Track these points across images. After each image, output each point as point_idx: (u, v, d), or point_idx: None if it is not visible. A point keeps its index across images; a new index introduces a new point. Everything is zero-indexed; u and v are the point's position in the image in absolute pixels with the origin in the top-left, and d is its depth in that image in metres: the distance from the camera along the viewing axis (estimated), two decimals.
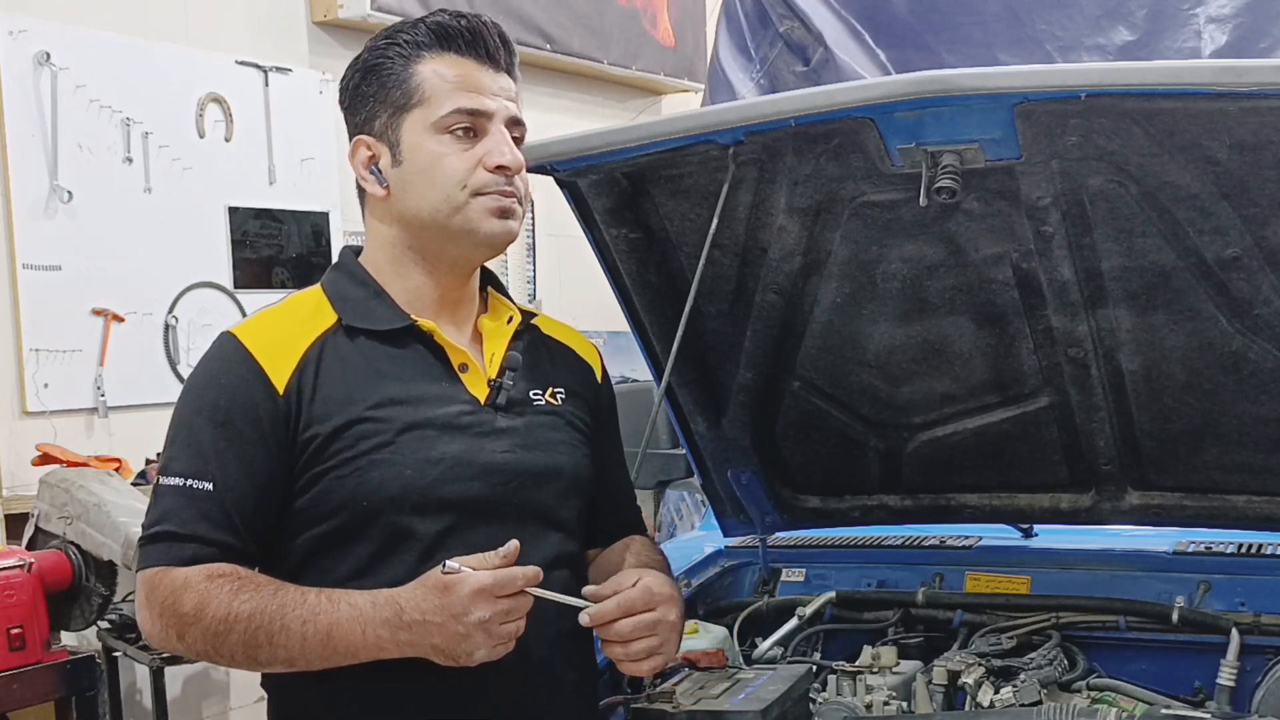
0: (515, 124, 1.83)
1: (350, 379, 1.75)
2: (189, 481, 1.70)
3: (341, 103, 1.86)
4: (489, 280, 1.94)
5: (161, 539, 1.70)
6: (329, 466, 1.72)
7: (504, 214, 1.79)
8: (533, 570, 1.64)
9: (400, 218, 1.81)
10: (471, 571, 1.60)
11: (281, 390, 1.72)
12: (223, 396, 1.73)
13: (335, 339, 1.78)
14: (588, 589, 1.76)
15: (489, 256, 1.86)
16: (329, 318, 1.79)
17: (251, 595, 1.64)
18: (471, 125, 1.78)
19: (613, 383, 2.06)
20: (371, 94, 1.81)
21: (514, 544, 1.65)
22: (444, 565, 1.61)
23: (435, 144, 1.77)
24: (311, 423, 1.72)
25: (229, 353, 1.75)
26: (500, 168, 1.77)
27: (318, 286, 1.85)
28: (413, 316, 1.80)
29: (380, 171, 1.81)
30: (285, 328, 1.78)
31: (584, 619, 1.72)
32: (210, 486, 1.69)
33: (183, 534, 1.69)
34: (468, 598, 1.59)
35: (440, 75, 1.78)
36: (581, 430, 1.92)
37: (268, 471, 1.72)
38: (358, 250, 1.89)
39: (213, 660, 1.69)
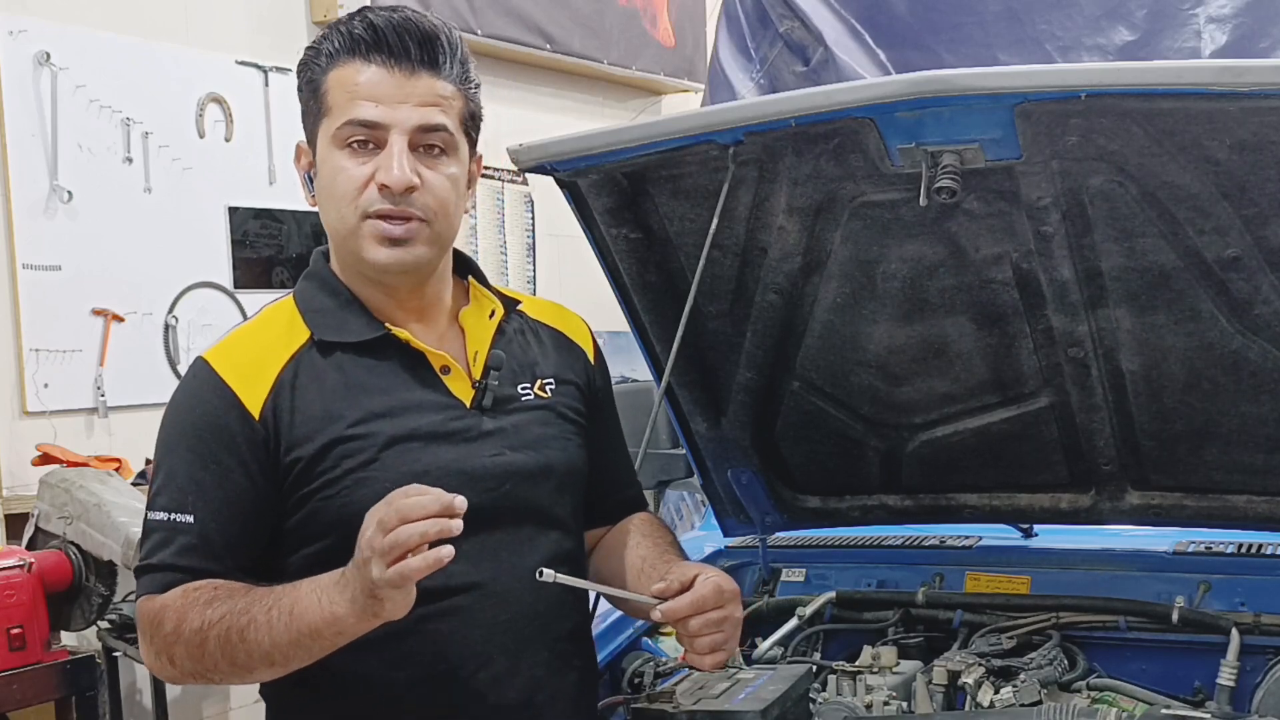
0: (430, 130, 1.68)
1: (329, 397, 1.71)
2: (172, 515, 1.69)
3: None
4: (469, 270, 1.89)
5: (147, 572, 1.70)
6: (315, 488, 1.69)
7: (391, 242, 1.68)
8: (410, 489, 1.50)
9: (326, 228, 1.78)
10: None
11: (257, 415, 1.69)
12: (198, 425, 1.70)
13: (310, 356, 1.73)
14: (656, 586, 1.74)
15: (396, 282, 1.75)
16: (301, 334, 1.75)
17: (224, 600, 1.62)
18: (369, 138, 1.67)
19: (612, 381, 2.03)
20: (304, 99, 1.76)
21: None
22: None
23: (335, 158, 1.69)
24: (294, 446, 1.69)
25: (202, 379, 1.72)
26: (383, 187, 1.66)
27: (289, 298, 1.80)
28: (386, 325, 1.75)
29: (312, 180, 1.77)
30: (257, 348, 1.74)
31: (656, 615, 1.71)
32: (191, 519, 1.67)
33: (165, 565, 1.68)
34: (364, 526, 1.51)
35: (342, 83, 1.68)
36: (573, 420, 1.89)
37: (250, 497, 1.69)
38: (328, 253, 1.82)
39: (205, 678, 1.66)
